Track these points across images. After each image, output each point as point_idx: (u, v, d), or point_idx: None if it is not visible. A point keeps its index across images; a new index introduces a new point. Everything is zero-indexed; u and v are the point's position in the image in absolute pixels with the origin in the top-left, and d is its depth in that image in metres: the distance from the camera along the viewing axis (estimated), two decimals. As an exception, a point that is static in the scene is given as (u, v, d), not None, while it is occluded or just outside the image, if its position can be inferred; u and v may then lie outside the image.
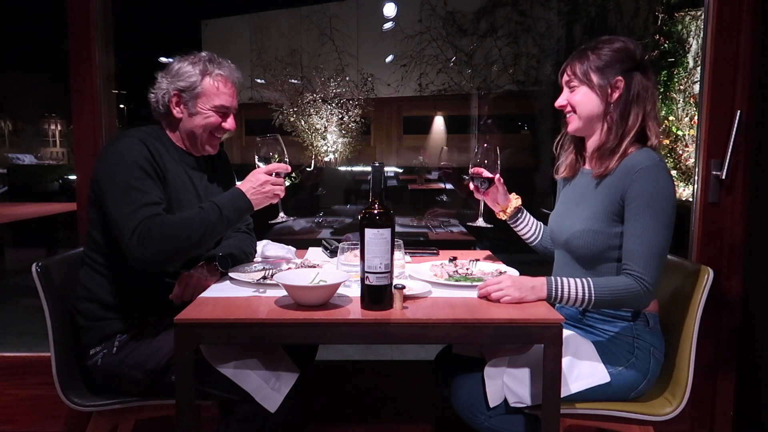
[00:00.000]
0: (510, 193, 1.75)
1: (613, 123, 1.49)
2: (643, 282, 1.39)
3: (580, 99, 1.53)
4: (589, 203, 1.53)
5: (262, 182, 1.54)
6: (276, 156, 1.60)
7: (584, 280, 1.42)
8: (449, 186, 7.50)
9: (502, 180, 1.70)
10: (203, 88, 1.60)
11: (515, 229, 1.79)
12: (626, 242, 1.44)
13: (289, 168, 1.60)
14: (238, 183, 1.58)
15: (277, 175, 1.58)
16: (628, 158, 1.47)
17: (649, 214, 1.41)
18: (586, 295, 1.41)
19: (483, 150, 1.67)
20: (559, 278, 1.43)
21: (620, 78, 1.48)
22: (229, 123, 1.65)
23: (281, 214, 1.64)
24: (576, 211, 1.56)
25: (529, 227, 1.77)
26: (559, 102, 1.58)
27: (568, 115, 1.57)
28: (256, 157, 1.62)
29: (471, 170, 1.68)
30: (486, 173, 1.66)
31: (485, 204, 1.76)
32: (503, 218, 1.76)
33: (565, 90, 1.57)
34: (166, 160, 1.58)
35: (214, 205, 1.49)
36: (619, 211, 1.46)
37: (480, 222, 1.75)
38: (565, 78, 1.56)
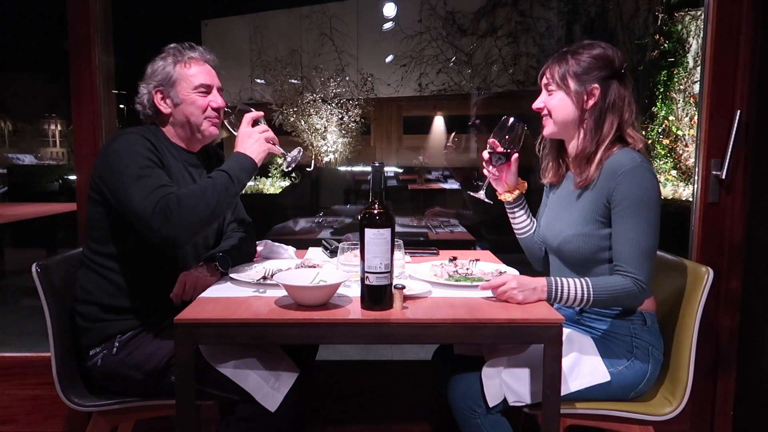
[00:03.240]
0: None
1: (588, 130, 1.50)
2: (637, 282, 1.41)
3: (555, 104, 1.54)
4: (577, 207, 1.54)
5: (249, 135, 1.56)
6: (242, 117, 1.61)
7: (583, 280, 1.43)
8: (449, 186, 7.51)
9: (517, 160, 1.66)
10: (178, 74, 1.61)
11: (513, 216, 1.76)
12: (616, 244, 1.45)
13: (261, 113, 1.60)
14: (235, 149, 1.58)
15: (256, 123, 1.59)
16: (610, 159, 1.48)
17: (637, 215, 1.42)
18: (585, 295, 1.42)
19: (507, 125, 1.62)
20: (558, 279, 1.43)
21: (596, 86, 1.49)
22: (216, 100, 1.64)
23: (288, 155, 1.62)
24: (564, 216, 1.57)
25: (527, 216, 1.76)
26: (536, 104, 1.58)
27: (544, 119, 1.58)
28: (228, 126, 1.65)
29: (490, 141, 1.65)
30: (500, 148, 1.64)
31: (490, 183, 1.72)
32: (507, 199, 1.73)
33: (544, 92, 1.57)
34: (166, 156, 1.59)
35: (220, 171, 1.50)
36: (605, 213, 1.47)
37: (481, 194, 1.72)
38: (544, 81, 1.57)
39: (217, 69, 1.69)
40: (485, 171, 1.69)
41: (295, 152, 1.63)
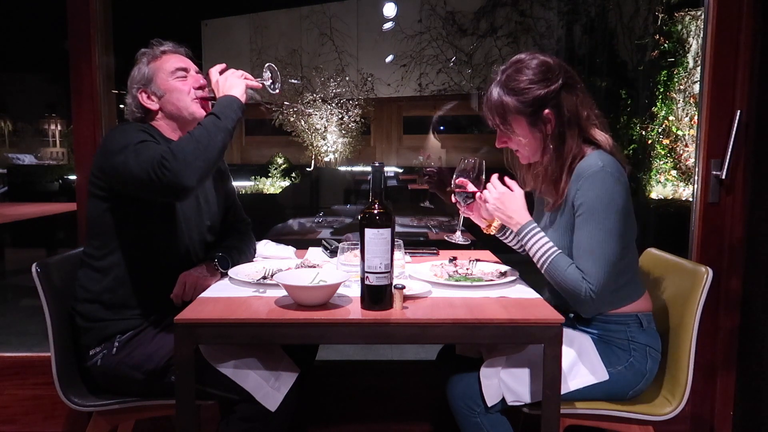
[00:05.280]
0: None
1: (552, 152, 1.46)
2: (589, 290, 1.37)
3: (518, 143, 1.50)
4: (555, 220, 1.52)
5: (220, 79, 1.56)
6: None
7: (552, 250, 1.42)
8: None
9: (483, 197, 1.63)
10: (153, 69, 1.64)
11: (507, 241, 1.74)
12: (573, 251, 1.42)
13: (224, 64, 1.61)
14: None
15: (223, 71, 1.59)
16: (579, 164, 1.44)
17: (591, 223, 1.38)
18: (542, 261, 1.43)
19: (467, 165, 1.62)
20: (535, 229, 1.45)
21: (548, 111, 1.44)
22: (197, 80, 1.66)
23: (264, 80, 1.61)
24: (550, 232, 1.53)
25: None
26: (499, 144, 1.55)
27: (515, 151, 1.55)
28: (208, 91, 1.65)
29: (455, 181, 1.63)
30: (471, 187, 1.61)
31: (468, 219, 1.70)
32: (491, 233, 1.71)
33: (498, 131, 1.53)
34: None
35: (207, 114, 1.50)
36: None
37: (457, 236, 1.71)
38: (492, 124, 1.51)
39: (190, 58, 1.72)
40: (459, 212, 1.69)
41: (266, 73, 1.61)
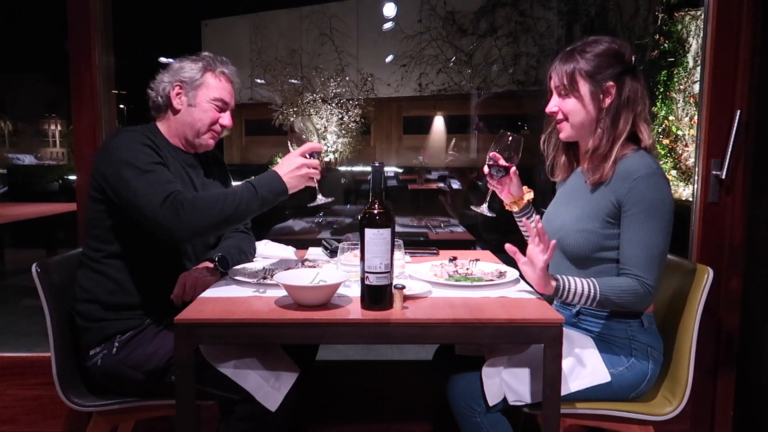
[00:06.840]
0: (523, 186, 1.74)
1: (605, 129, 1.48)
2: (645, 284, 1.40)
3: (571, 108, 1.51)
4: (581, 203, 1.53)
5: (299, 165, 1.51)
6: (308, 136, 1.58)
7: (589, 280, 1.42)
8: (455, 186, 7.50)
9: (517, 172, 1.67)
10: (204, 80, 1.65)
11: (521, 223, 1.77)
12: (626, 247, 1.44)
13: (322, 147, 1.58)
14: (273, 167, 1.55)
15: (312, 156, 1.54)
16: (624, 162, 1.46)
17: (650, 220, 1.41)
18: (592, 292, 1.40)
19: (506, 140, 1.64)
20: (566, 278, 1.42)
21: (612, 84, 1.47)
22: (226, 119, 1.69)
23: (319, 196, 1.61)
24: (567, 211, 1.56)
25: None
26: (550, 108, 1.56)
27: (559, 123, 1.56)
28: (289, 143, 1.60)
29: (490, 154, 1.65)
30: (502, 161, 1.64)
31: (495, 194, 1.72)
32: (513, 209, 1.74)
33: (555, 95, 1.55)
34: (165, 154, 1.59)
35: (250, 184, 1.49)
36: (613, 213, 1.46)
37: (483, 208, 1.72)
38: (554, 83, 1.54)
39: (237, 91, 1.75)
40: (490, 183, 1.70)
41: (323, 199, 1.62)
